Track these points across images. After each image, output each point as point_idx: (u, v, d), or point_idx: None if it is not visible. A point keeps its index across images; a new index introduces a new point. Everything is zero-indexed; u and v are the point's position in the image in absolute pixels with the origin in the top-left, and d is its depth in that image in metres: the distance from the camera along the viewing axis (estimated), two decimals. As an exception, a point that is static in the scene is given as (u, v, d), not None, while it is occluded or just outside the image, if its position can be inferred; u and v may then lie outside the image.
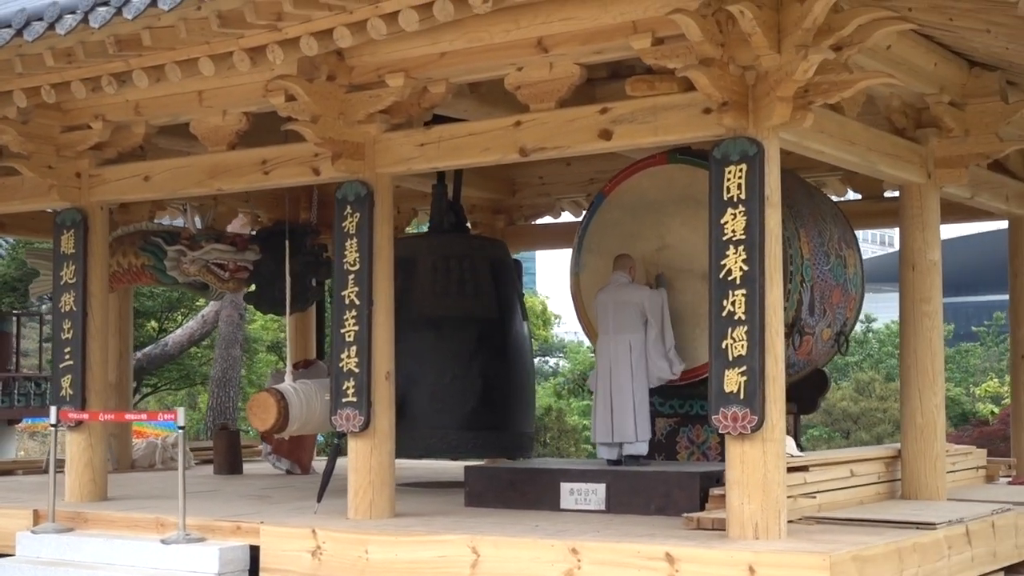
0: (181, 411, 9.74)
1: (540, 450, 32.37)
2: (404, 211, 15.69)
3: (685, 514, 8.84)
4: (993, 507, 9.79)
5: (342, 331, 9.67)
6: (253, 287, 13.67)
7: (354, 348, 9.61)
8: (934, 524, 8.72)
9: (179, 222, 14.75)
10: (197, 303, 23.83)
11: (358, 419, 9.55)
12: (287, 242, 12.01)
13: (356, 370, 9.58)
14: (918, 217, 10.40)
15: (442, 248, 12.30)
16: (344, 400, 9.62)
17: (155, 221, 14.28)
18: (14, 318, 24.87)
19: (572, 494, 9.90)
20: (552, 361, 48.16)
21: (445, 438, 11.95)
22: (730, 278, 8.22)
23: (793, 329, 10.57)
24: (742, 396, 8.13)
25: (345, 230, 9.70)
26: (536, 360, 49.59)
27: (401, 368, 11.80)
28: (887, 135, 10.00)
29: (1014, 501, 10.36)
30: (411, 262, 12.27)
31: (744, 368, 8.15)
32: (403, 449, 12.04)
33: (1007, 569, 9.90)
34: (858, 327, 54.53)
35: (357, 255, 9.63)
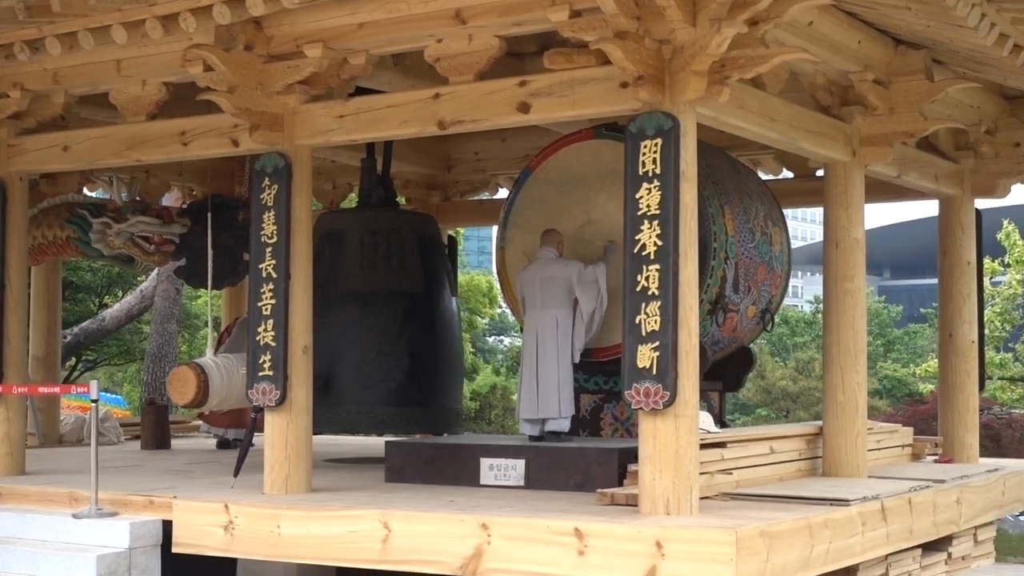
0: (95, 384, 9.61)
1: (485, 427, 32.40)
2: (340, 186, 15.61)
3: (599, 490, 8.80)
4: (912, 484, 9.81)
5: (259, 304, 9.55)
6: (184, 261, 13.51)
7: (271, 322, 9.50)
8: (848, 500, 8.73)
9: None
10: (137, 279, 23.61)
11: (274, 393, 9.45)
12: (209, 215, 11.85)
13: (273, 344, 9.47)
14: (842, 195, 10.39)
15: (369, 222, 12.21)
16: (260, 374, 9.51)
17: (86, 194, 14.14)
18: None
19: (492, 470, 9.84)
20: (507, 341, 48.18)
21: (371, 414, 11.88)
22: (644, 253, 8.17)
23: (717, 306, 10.56)
24: (655, 372, 8.09)
25: (263, 202, 9.58)
26: (491, 339, 49.64)
27: (327, 343, 11.77)
28: (810, 112, 9.97)
29: (934, 479, 10.40)
30: (338, 236, 12.19)
31: (657, 344, 8.10)
32: (329, 425, 12.04)
33: (925, 546, 9.94)
34: (807, 307, 54.84)
35: (275, 228, 9.51)
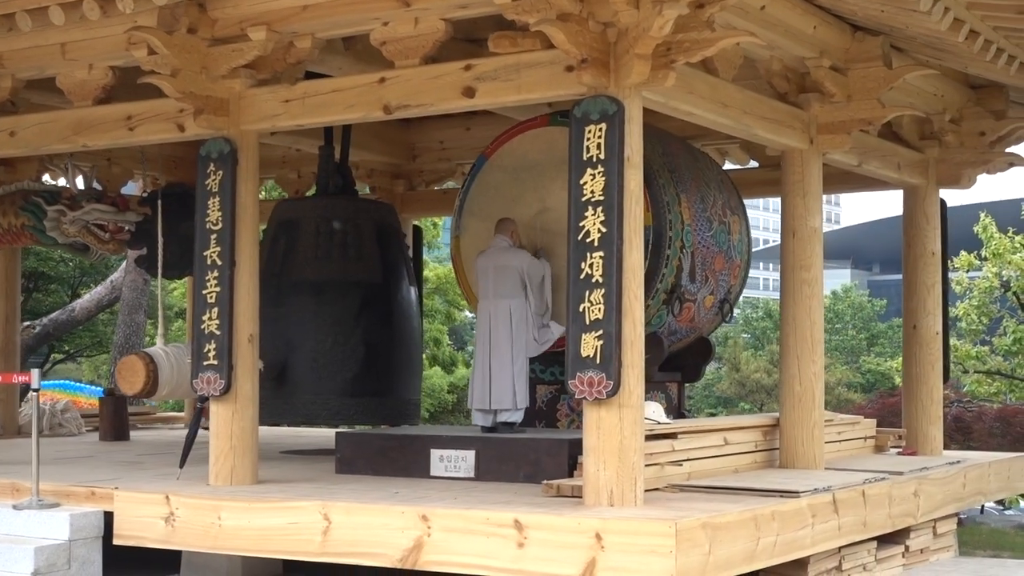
0: (35, 373, 9.45)
1: (463, 420, 32.20)
2: (305, 175, 15.41)
3: (545, 481, 8.66)
4: (867, 476, 9.68)
5: (204, 292, 9.40)
6: (144, 250, 13.34)
7: (215, 310, 9.33)
8: (798, 492, 8.59)
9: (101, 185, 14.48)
10: (109, 269, 23.43)
11: (219, 383, 9.29)
12: (159, 204, 11.66)
13: (217, 332, 9.32)
14: (799, 183, 10.24)
15: (326, 211, 12.05)
16: (205, 363, 9.35)
17: (44, 181, 13.96)
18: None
19: (442, 461, 9.70)
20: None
21: (326, 404, 11.74)
22: (588, 240, 8.02)
23: (673, 296, 10.42)
24: (598, 361, 7.94)
25: (208, 188, 9.43)
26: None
27: (282, 334, 11.64)
28: (765, 99, 9.83)
29: (892, 471, 10.27)
30: (294, 225, 12.05)
31: (600, 332, 7.95)
32: (284, 415, 11.93)
33: (880, 539, 9.81)
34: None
35: (219, 214, 9.36)
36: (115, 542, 9.04)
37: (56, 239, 12.67)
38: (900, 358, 28.95)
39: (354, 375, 11.71)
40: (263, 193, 17.28)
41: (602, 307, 7.95)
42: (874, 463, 10.83)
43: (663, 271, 10.23)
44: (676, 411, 11.21)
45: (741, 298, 12.03)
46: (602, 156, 8.00)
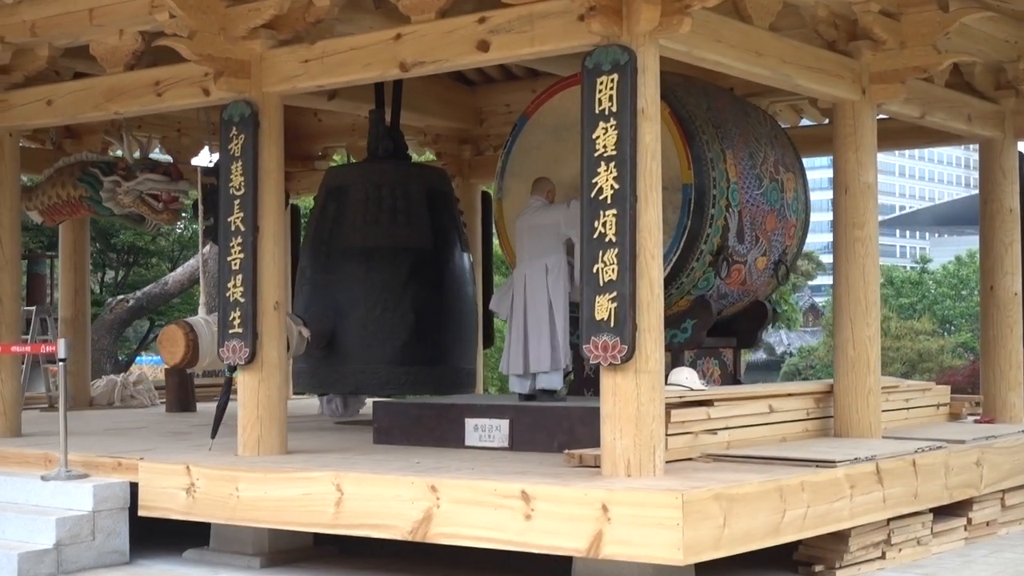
0: (63, 343, 9.36)
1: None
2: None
3: (567, 451, 8.33)
4: (919, 445, 9.16)
5: (228, 259, 9.23)
6: (211, 221, 13.25)
7: (240, 277, 9.16)
8: (834, 462, 8.14)
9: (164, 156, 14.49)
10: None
11: (244, 351, 9.12)
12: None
13: (242, 300, 9.14)
14: (851, 136, 9.72)
15: (374, 176, 11.80)
16: (231, 331, 9.19)
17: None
18: (47, 260, 24.77)
19: (476, 430, 9.43)
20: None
21: (376, 373, 11.52)
22: (601, 197, 7.65)
23: (719, 257, 9.98)
24: (612, 324, 7.58)
25: (231, 152, 9.24)
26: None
27: (331, 301, 11.46)
28: (809, 47, 9.32)
29: (953, 439, 9.73)
30: (342, 191, 11.83)
31: (615, 294, 7.58)
32: (333, 385, 11.76)
33: (938, 511, 9.30)
34: (913, 268, 53.12)
35: (242, 179, 9.16)
36: (140, 513, 8.94)
37: (112, 210, 12.60)
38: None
39: (403, 343, 11.46)
40: (338, 158, 17.09)
41: (616, 268, 7.58)
42: (941, 431, 10.28)
43: (707, 231, 9.79)
44: (732, 378, 10.77)
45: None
46: (614, 108, 7.62)
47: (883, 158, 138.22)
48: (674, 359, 10.13)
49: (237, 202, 9.18)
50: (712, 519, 7.01)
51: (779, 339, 51.60)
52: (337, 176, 12.10)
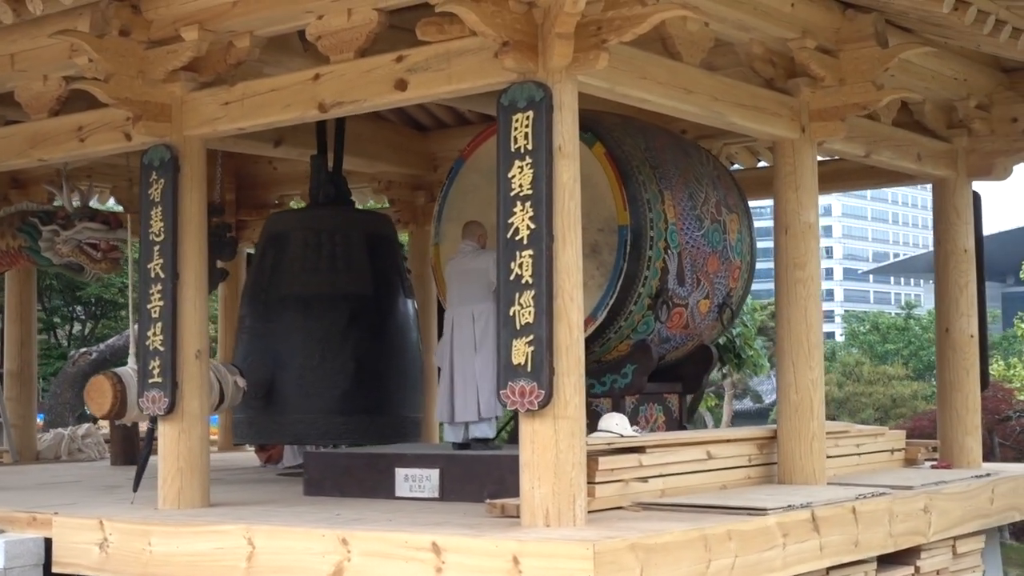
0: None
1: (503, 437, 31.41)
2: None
3: (488, 500, 8.04)
4: (861, 492, 8.88)
5: (148, 307, 8.96)
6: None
7: (159, 325, 8.89)
8: (765, 509, 7.85)
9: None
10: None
11: (163, 401, 8.85)
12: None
13: (161, 348, 8.87)
14: (791, 176, 9.49)
15: (313, 222, 11.59)
16: (150, 381, 8.92)
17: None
18: None
19: (407, 480, 9.13)
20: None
21: (315, 424, 11.24)
22: (517, 238, 7.41)
23: (659, 300, 9.73)
24: (529, 368, 7.32)
25: (151, 198, 9.00)
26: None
27: (269, 350, 11.21)
28: (743, 85, 9.11)
29: (902, 485, 9.45)
30: (282, 238, 11.60)
31: (531, 337, 7.32)
32: (272, 435, 11.50)
33: (883, 559, 9.01)
34: (898, 313, 52.77)
35: (162, 225, 8.92)
36: (54, 570, 8.63)
37: (51, 260, 12.43)
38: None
39: (343, 392, 11.19)
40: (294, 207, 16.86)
41: (532, 310, 7.33)
42: (891, 477, 10.00)
43: (645, 273, 9.55)
44: (677, 424, 10.49)
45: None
46: (530, 147, 7.40)
47: (878, 206, 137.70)
48: (615, 405, 9.87)
49: (157, 248, 8.94)
50: (627, 571, 6.71)
51: (770, 387, 51.17)
52: (276, 223, 11.87)
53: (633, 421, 9.92)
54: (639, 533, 6.97)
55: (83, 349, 21.52)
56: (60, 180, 12.65)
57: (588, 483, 7.87)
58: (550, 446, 7.30)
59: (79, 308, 25.30)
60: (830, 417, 27.23)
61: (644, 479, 8.36)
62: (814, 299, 9.50)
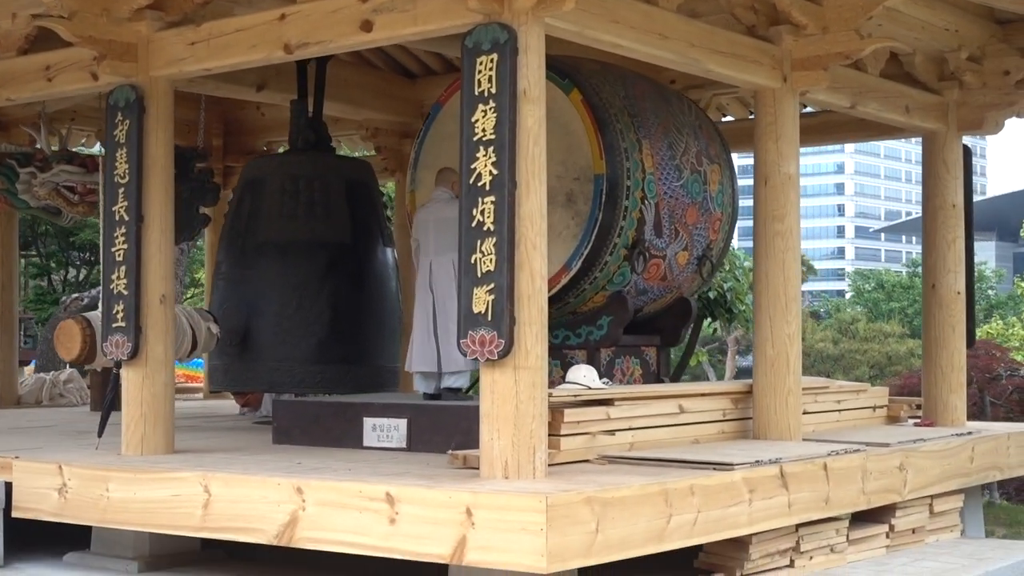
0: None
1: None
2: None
3: (450, 451, 7.91)
4: (833, 448, 8.73)
5: (112, 250, 8.80)
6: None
7: (123, 268, 8.74)
8: (731, 465, 7.71)
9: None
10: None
11: (127, 346, 8.70)
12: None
13: (125, 292, 8.72)
14: (771, 126, 9.30)
15: (291, 168, 11.40)
16: (114, 326, 8.77)
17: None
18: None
19: (375, 430, 9.00)
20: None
21: (290, 372, 11.09)
22: (480, 184, 7.22)
23: (635, 251, 9.55)
24: (489, 317, 7.16)
25: (116, 139, 8.83)
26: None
27: (245, 297, 11.07)
28: (722, 31, 8.89)
29: (879, 442, 9.31)
30: (259, 184, 11.43)
31: (492, 286, 7.16)
32: (247, 383, 11.37)
33: (857, 516, 8.89)
34: (903, 271, 52.40)
35: (127, 167, 8.75)
36: (14, 514, 8.53)
37: (28, 202, 12.25)
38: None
39: (320, 340, 11.04)
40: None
41: (494, 258, 7.16)
42: (869, 435, 9.85)
43: (621, 224, 9.37)
44: (655, 377, 10.33)
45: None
46: (494, 90, 7.19)
47: (891, 164, 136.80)
48: (590, 357, 9.72)
49: (121, 191, 8.78)
50: (582, 524, 6.58)
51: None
52: (253, 168, 11.70)
53: (609, 374, 9.80)
54: (597, 486, 6.83)
55: (75, 295, 21.40)
56: (40, 122, 12.48)
57: (553, 435, 7.75)
58: (510, 397, 7.15)
59: (74, 254, 25.17)
60: (823, 374, 27.10)
61: (611, 432, 8.22)
62: (792, 252, 9.33)
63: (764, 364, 9.27)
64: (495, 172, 7.17)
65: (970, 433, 10.47)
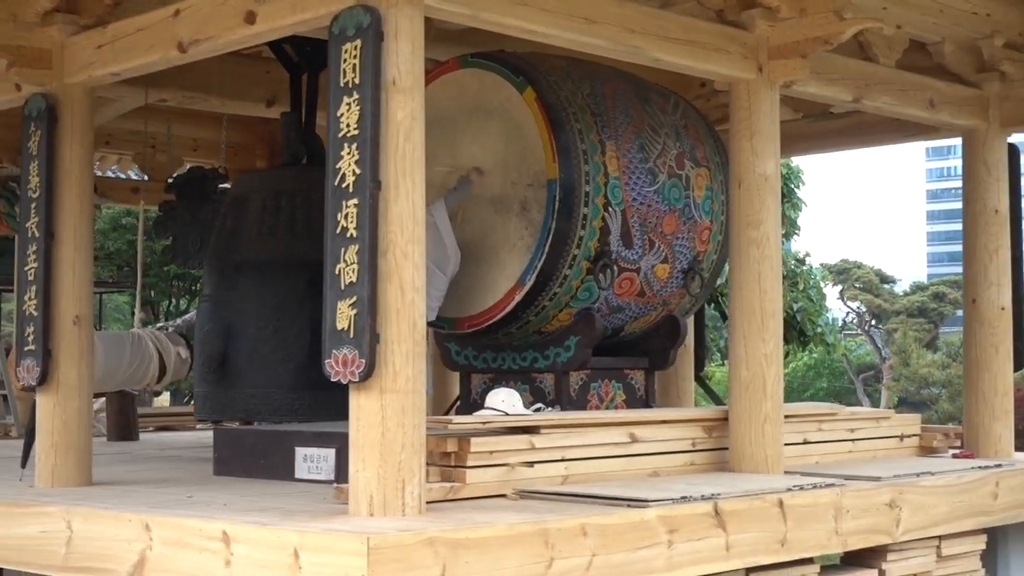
0: None
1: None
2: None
3: (335, 484, 7.15)
4: (794, 483, 7.70)
5: (25, 269, 8.28)
6: (171, 239, 12.52)
7: (34, 288, 8.21)
8: (647, 501, 6.77)
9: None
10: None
11: (35, 370, 8.17)
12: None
13: (35, 314, 8.19)
14: (745, 121, 8.34)
15: (274, 184, 10.75)
16: (25, 349, 8.24)
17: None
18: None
19: (306, 461, 8.28)
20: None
21: (268, 399, 10.38)
22: (343, 185, 6.49)
23: (599, 264, 8.66)
24: (352, 335, 6.41)
25: (30, 151, 8.31)
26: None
27: (222, 320, 10.51)
28: (674, 16, 7.99)
29: (870, 476, 8.23)
30: (242, 201, 10.81)
31: (354, 299, 6.41)
32: (224, 411, 10.71)
33: (849, 559, 7.85)
34: None
35: (38, 180, 8.24)
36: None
37: (26, 226, 11.95)
38: None
39: (298, 365, 10.32)
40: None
41: (356, 267, 6.41)
42: (870, 468, 8.75)
43: (579, 233, 8.50)
44: (642, 403, 9.40)
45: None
46: (357, 81, 6.45)
47: (944, 162, 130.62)
48: (557, 381, 8.87)
49: (33, 206, 8.26)
50: (421, 570, 5.74)
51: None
52: (238, 185, 11.12)
53: (582, 400, 8.93)
54: (454, 526, 5.99)
55: (160, 324, 21.25)
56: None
57: (458, 467, 6.97)
58: (375, 424, 6.39)
59: (177, 284, 25.19)
60: (928, 401, 25.42)
61: (530, 464, 7.35)
62: (770, 262, 8.32)
63: (738, 388, 8.29)
64: (358, 171, 6.42)
65: (999, 465, 9.25)
